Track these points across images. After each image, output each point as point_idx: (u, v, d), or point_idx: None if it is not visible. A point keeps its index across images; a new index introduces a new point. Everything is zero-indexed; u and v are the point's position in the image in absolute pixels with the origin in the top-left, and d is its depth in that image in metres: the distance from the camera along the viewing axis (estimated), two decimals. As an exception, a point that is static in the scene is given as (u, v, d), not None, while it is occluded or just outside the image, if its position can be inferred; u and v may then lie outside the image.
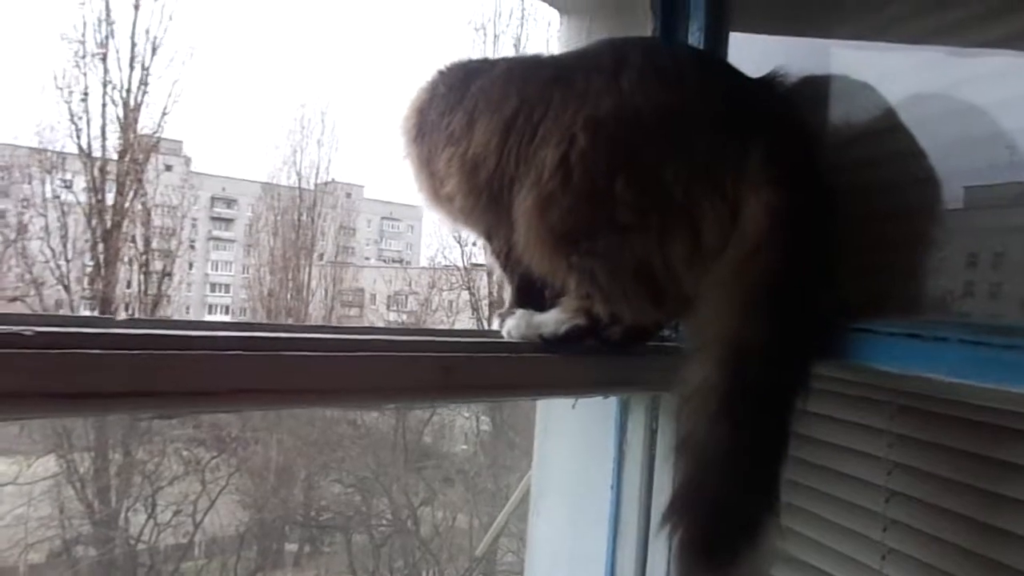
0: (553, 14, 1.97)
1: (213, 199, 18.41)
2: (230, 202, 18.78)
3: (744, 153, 1.09)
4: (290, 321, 15.04)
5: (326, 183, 16.35)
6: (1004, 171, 1.10)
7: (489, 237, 1.40)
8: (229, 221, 18.80)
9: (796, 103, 1.20)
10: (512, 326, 1.31)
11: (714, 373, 1.03)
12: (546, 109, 1.22)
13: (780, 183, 1.07)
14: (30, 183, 12.25)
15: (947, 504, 1.10)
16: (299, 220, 15.81)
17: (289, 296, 15.38)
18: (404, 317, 14.29)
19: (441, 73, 1.49)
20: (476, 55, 1.53)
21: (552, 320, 1.28)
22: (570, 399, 1.52)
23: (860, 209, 1.23)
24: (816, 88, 1.41)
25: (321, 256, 16.09)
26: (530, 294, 1.38)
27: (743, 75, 1.24)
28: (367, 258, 18.76)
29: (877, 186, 1.28)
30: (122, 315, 12.19)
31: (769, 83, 1.22)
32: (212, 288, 18.13)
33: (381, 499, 11.10)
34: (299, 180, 15.85)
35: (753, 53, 1.60)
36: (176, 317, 14.36)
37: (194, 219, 15.61)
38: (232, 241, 18.39)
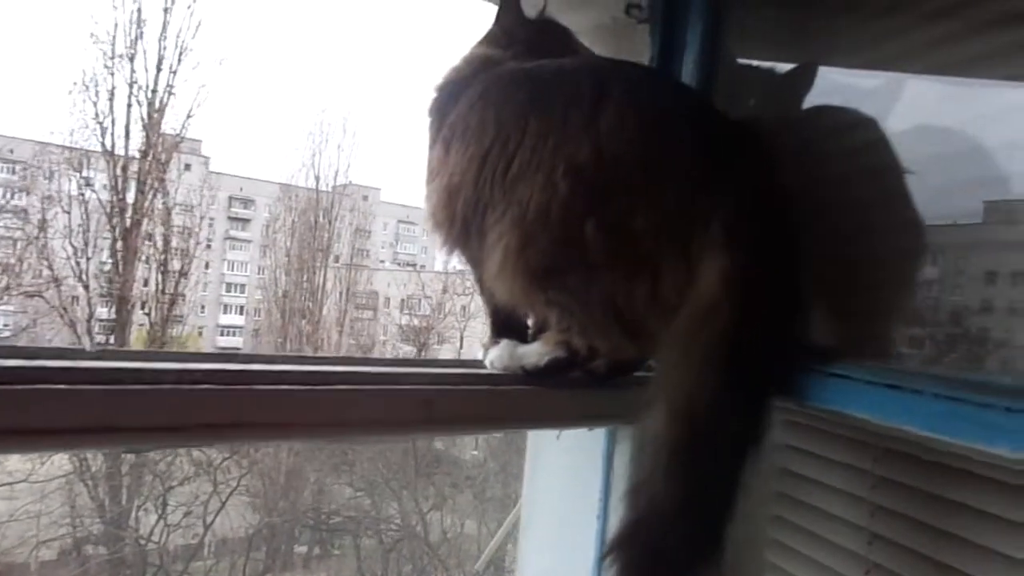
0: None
1: (231, 199, 18.57)
2: (247, 202, 18.93)
3: (709, 215, 1.10)
4: (304, 323, 15.15)
5: (344, 185, 16.44)
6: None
7: (473, 267, 1.39)
8: (246, 221, 18.95)
9: (770, 151, 1.19)
10: (495, 357, 1.31)
11: (667, 426, 1.05)
12: (522, 137, 1.21)
13: (738, 249, 1.08)
14: (52, 180, 12.43)
15: (928, 551, 1.08)
16: (316, 222, 15.90)
17: (304, 297, 15.46)
18: (416, 321, 14.32)
19: (428, 107, 1.49)
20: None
21: (534, 352, 1.28)
22: (554, 431, 1.51)
23: (848, 248, 1.22)
24: (815, 120, 1.41)
25: (337, 258, 16.17)
26: (511, 324, 1.38)
27: (722, 117, 1.24)
28: (382, 261, 18.84)
29: (869, 225, 1.28)
30: (138, 313, 12.33)
31: (747, 127, 1.22)
32: (228, 288, 18.27)
33: (391, 503, 11.14)
34: (317, 182, 15.94)
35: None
36: (190, 315, 14.51)
37: (211, 219, 15.72)
38: (249, 241, 18.53)
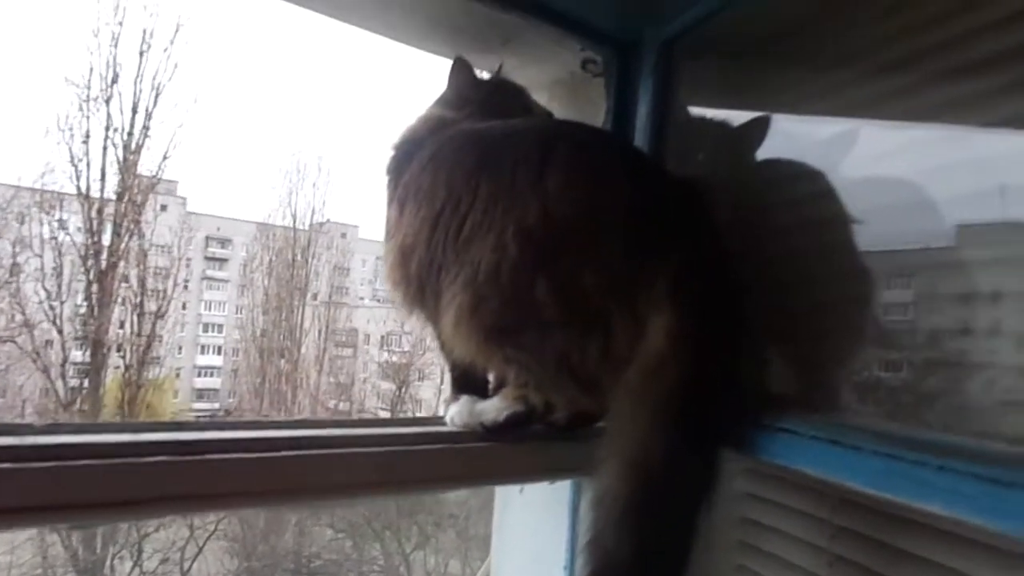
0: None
1: (208, 239, 18.49)
2: (224, 242, 18.85)
3: (655, 273, 1.13)
4: (283, 362, 15.01)
5: (321, 223, 16.46)
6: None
7: (432, 326, 1.40)
8: (223, 261, 18.85)
9: (712, 210, 1.22)
10: (455, 413, 1.31)
11: (619, 482, 1.06)
12: (473, 200, 1.24)
13: (683, 306, 1.11)
14: (24, 223, 12.31)
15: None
16: (293, 260, 15.87)
17: (282, 336, 15.36)
18: (396, 357, 14.24)
19: (385, 167, 1.52)
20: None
21: (492, 408, 1.28)
22: (514, 487, 1.51)
23: (797, 299, 1.25)
24: (762, 173, 1.44)
25: (315, 296, 16.11)
26: (471, 380, 1.39)
27: (667, 176, 1.27)
28: (361, 298, 18.79)
29: (817, 276, 1.31)
30: (114, 357, 12.16)
31: (692, 185, 1.25)
32: (205, 328, 18.10)
33: (373, 544, 10.96)
34: (294, 220, 15.95)
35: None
36: (167, 356, 14.32)
37: (188, 259, 15.64)
38: (226, 281, 18.43)
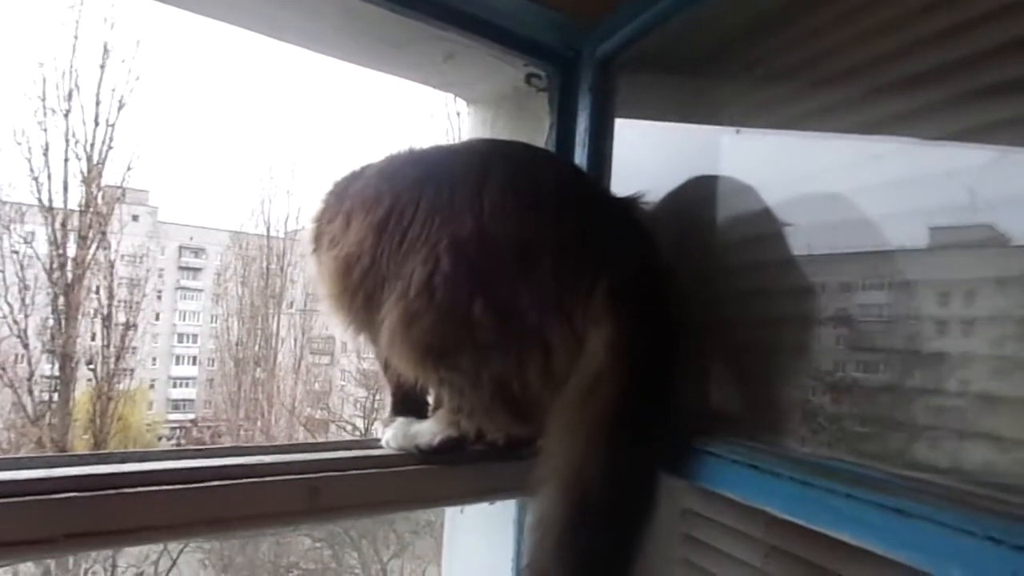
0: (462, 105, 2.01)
1: (181, 248, 18.29)
2: (198, 251, 18.66)
3: (591, 289, 1.12)
4: (259, 371, 14.87)
5: (296, 231, 16.31)
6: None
7: (371, 342, 1.39)
8: (197, 270, 18.65)
9: (650, 228, 1.22)
10: (390, 436, 1.29)
11: (557, 503, 1.04)
12: (415, 211, 1.24)
13: (620, 320, 1.10)
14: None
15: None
16: (268, 268, 15.75)
17: (258, 345, 15.23)
18: (373, 365, 14.16)
19: (334, 183, 1.51)
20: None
21: (427, 431, 1.27)
22: (455, 508, 1.50)
23: (732, 318, 1.25)
24: (698, 189, 1.44)
25: (291, 304, 15.98)
26: (410, 400, 1.37)
27: (603, 195, 1.27)
28: (338, 305, 18.65)
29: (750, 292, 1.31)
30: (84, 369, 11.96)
31: (628, 205, 1.25)
32: (180, 339, 17.89)
33: (351, 553, 10.87)
34: (268, 228, 15.82)
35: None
36: (140, 368, 14.12)
37: (161, 269, 15.47)
38: (200, 291, 18.23)
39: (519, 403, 1.18)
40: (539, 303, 1.15)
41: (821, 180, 1.27)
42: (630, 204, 1.25)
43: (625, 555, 1.04)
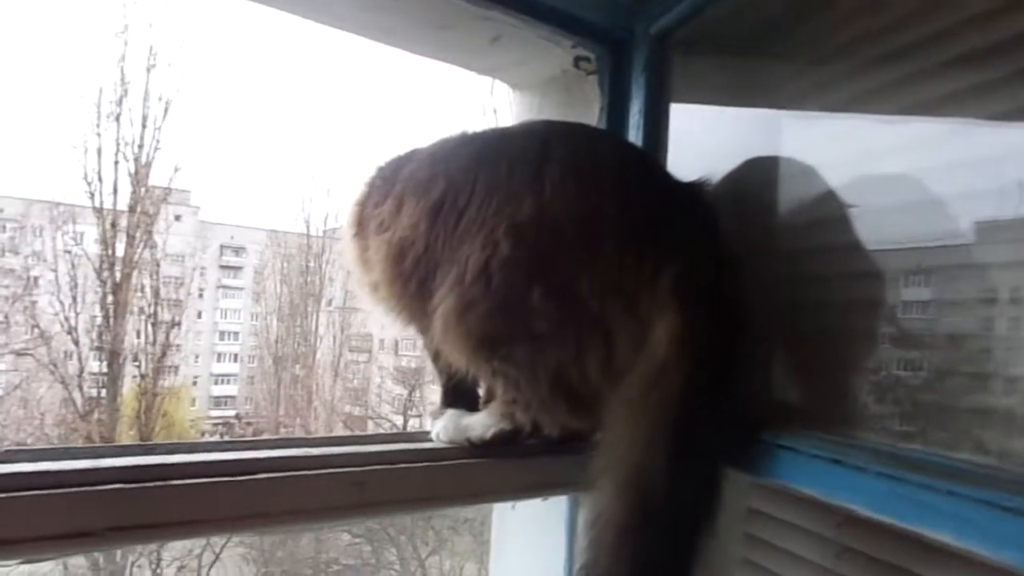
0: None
1: (222, 247, 18.59)
2: (238, 250, 18.94)
3: (656, 275, 1.06)
4: (298, 369, 15.04)
5: (334, 229, 16.45)
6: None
7: (420, 332, 1.35)
8: (238, 269, 18.94)
9: (716, 214, 1.15)
10: (440, 428, 1.25)
11: (616, 501, 0.99)
12: (470, 194, 1.19)
13: (686, 307, 1.03)
14: (39, 237, 12.49)
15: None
16: (307, 267, 15.92)
17: (297, 343, 15.41)
18: (410, 363, 14.22)
19: (379, 168, 1.47)
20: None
21: (479, 424, 1.22)
22: (506, 504, 1.45)
23: (800, 303, 1.18)
24: (755, 171, 1.37)
25: (330, 302, 16.13)
26: (461, 391, 1.33)
27: (667, 178, 1.20)
28: (376, 303, 18.78)
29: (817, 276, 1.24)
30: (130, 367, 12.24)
31: (693, 190, 1.19)
32: (221, 336, 18.18)
33: (389, 549, 10.93)
34: (307, 227, 15.99)
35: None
36: (183, 365, 14.40)
37: (203, 268, 15.75)
38: (241, 289, 18.51)
39: (577, 395, 1.13)
40: (601, 290, 1.09)
41: (886, 162, 1.20)
42: (696, 188, 1.19)
43: (687, 557, 0.98)
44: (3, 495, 0.84)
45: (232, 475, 0.99)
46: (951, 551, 0.91)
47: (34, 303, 11.99)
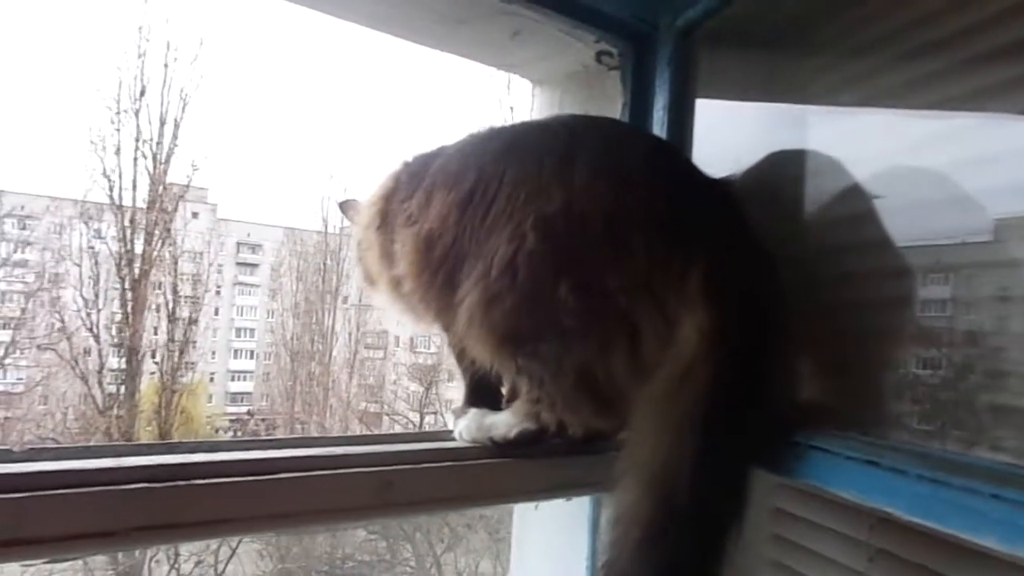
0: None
1: (239, 244, 18.71)
2: (255, 247, 19.06)
3: (685, 271, 1.04)
4: (314, 365, 15.10)
5: (350, 227, 16.50)
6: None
7: (444, 328, 1.33)
8: (254, 266, 19.05)
9: (744, 211, 1.13)
10: (463, 427, 1.24)
11: (641, 499, 0.97)
12: (499, 185, 1.18)
13: (715, 306, 1.02)
14: (62, 234, 12.63)
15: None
16: (324, 264, 15.98)
17: (313, 340, 15.47)
18: (427, 359, 14.25)
19: (405, 163, 1.47)
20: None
21: (503, 423, 1.21)
22: (528, 504, 1.43)
23: (829, 300, 1.16)
24: (779, 165, 1.35)
25: (346, 299, 16.17)
26: (483, 391, 1.32)
27: (697, 174, 1.18)
28: (392, 300, 18.84)
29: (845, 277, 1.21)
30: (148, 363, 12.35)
31: (722, 186, 1.17)
32: (238, 333, 18.30)
33: (405, 545, 10.96)
34: (325, 225, 16.05)
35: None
36: (201, 361, 14.50)
37: (220, 265, 15.84)
38: (257, 286, 18.63)
39: (603, 394, 1.11)
40: (629, 285, 1.07)
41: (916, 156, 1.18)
42: (725, 184, 1.17)
43: (712, 557, 0.96)
44: (27, 494, 0.83)
45: (256, 474, 0.98)
46: (990, 554, 0.89)
47: (57, 299, 12.12)
